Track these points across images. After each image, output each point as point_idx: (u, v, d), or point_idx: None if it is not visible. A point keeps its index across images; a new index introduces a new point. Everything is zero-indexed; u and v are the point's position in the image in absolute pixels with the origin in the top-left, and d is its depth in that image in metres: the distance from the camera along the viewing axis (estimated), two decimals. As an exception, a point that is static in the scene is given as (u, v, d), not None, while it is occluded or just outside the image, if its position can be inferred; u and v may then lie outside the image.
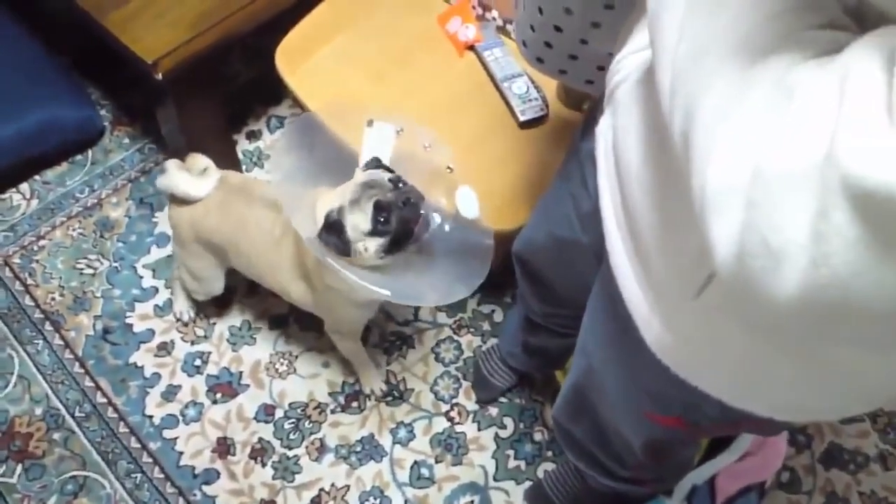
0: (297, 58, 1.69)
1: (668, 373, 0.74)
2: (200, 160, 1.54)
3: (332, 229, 1.25)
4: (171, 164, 1.52)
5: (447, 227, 1.43)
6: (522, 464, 1.66)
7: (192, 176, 1.52)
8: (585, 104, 1.61)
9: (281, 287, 1.53)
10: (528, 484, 1.64)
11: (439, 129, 1.59)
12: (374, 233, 1.25)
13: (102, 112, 2.08)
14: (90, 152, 2.02)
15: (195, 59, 1.61)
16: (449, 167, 1.45)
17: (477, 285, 1.36)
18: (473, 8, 1.74)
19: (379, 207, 1.24)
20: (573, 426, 1.18)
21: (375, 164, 1.35)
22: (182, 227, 1.56)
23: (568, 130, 1.62)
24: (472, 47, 1.71)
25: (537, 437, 1.68)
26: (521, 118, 1.61)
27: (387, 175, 1.31)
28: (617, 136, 0.78)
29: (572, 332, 1.65)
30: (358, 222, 1.25)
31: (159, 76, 1.58)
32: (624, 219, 0.76)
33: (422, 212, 1.28)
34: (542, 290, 1.32)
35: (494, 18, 1.73)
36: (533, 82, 1.65)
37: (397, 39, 1.73)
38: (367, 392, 1.71)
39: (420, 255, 1.38)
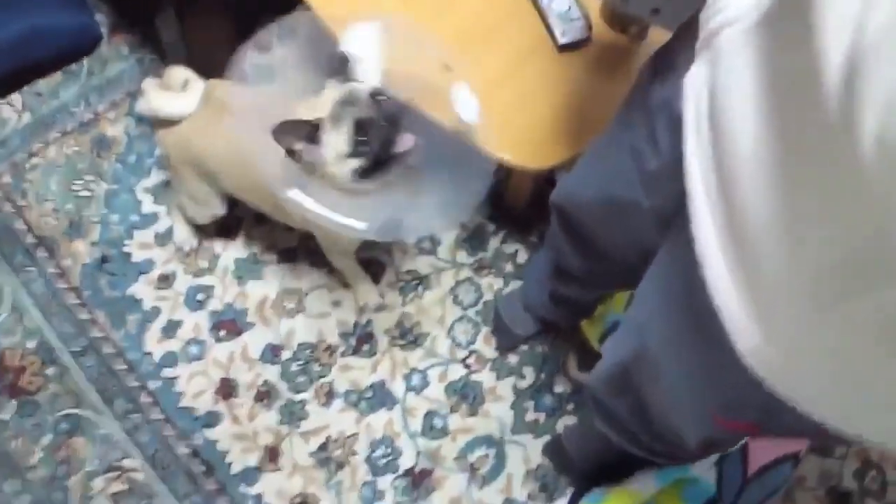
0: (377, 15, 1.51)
1: (753, 382, 0.61)
2: (178, 73, 1.41)
3: (307, 138, 1.10)
4: (148, 84, 1.41)
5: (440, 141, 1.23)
6: (542, 417, 1.56)
7: (174, 93, 1.39)
8: (633, 27, 1.43)
9: (273, 209, 1.42)
10: (546, 438, 1.54)
11: (471, 55, 1.43)
12: (353, 154, 1.11)
13: (99, 17, 1.90)
14: (86, 62, 1.86)
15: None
16: (446, 66, 1.26)
17: (464, 218, 1.20)
18: (511, -89, 1.53)
19: (358, 126, 1.10)
20: (612, 401, 1.06)
21: (343, 67, 1.17)
22: (171, 150, 1.44)
23: (613, 57, 1.45)
24: (507, -43, 1.51)
25: (558, 388, 1.58)
26: (561, 40, 1.43)
27: (366, 87, 1.15)
28: (717, 96, 0.62)
29: (609, 287, 1.53)
30: (336, 142, 1.11)
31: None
32: (721, 204, 0.61)
33: (408, 133, 1.12)
34: (583, 245, 1.18)
35: (534, -76, 1.52)
36: (576, 0, 1.46)
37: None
38: (360, 305, 1.61)
39: (407, 177, 1.22)
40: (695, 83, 0.67)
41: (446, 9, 1.46)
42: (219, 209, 1.54)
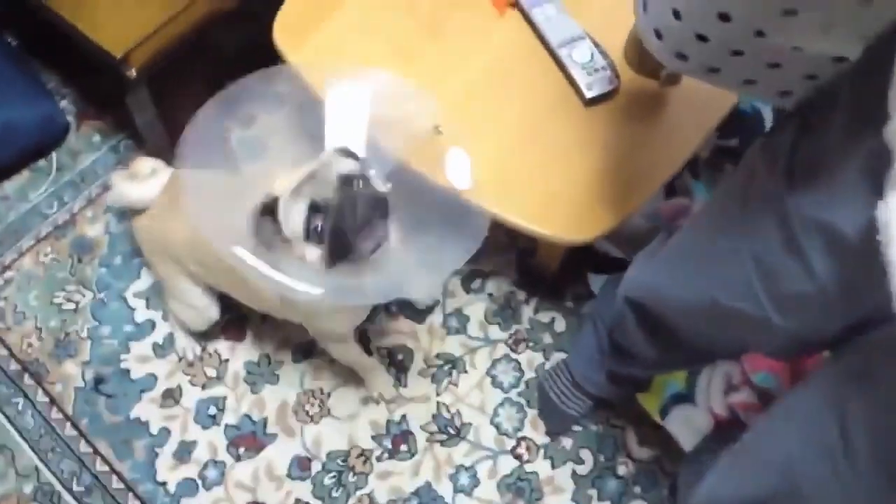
0: (300, 31, 1.36)
1: None
2: (145, 164, 1.36)
3: (265, 216, 1.00)
4: (116, 177, 1.38)
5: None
6: None
7: (141, 181, 1.33)
8: (665, 71, 1.29)
9: (254, 299, 1.31)
10: (616, 528, 1.40)
11: (482, 116, 1.29)
12: (308, 238, 0.99)
13: (63, 104, 1.74)
14: (54, 156, 1.69)
15: (173, 46, 1.28)
16: (437, 128, 1.15)
17: (457, 266, 1.16)
18: (513, -47, 1.39)
19: (312, 208, 0.98)
20: None
21: (345, 151, 1.06)
22: (145, 242, 1.36)
23: (645, 105, 1.32)
24: (515, 4, 1.37)
25: (621, 470, 1.43)
26: (588, 94, 1.29)
27: (344, 166, 1.01)
28: None
29: (680, 369, 1.39)
30: (292, 218, 0.99)
31: (132, 73, 1.25)
32: None
33: (379, 225, 1.00)
34: (664, 341, 1.05)
35: (540, -34, 1.38)
36: (598, 46, 1.32)
37: (422, 1, 1.38)
38: (374, 396, 1.46)
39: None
40: (890, 213, 0.53)
41: (449, 65, 1.33)
42: (211, 311, 1.39)
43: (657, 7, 0.74)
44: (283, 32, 1.35)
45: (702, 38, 0.71)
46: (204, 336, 1.49)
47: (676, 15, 0.72)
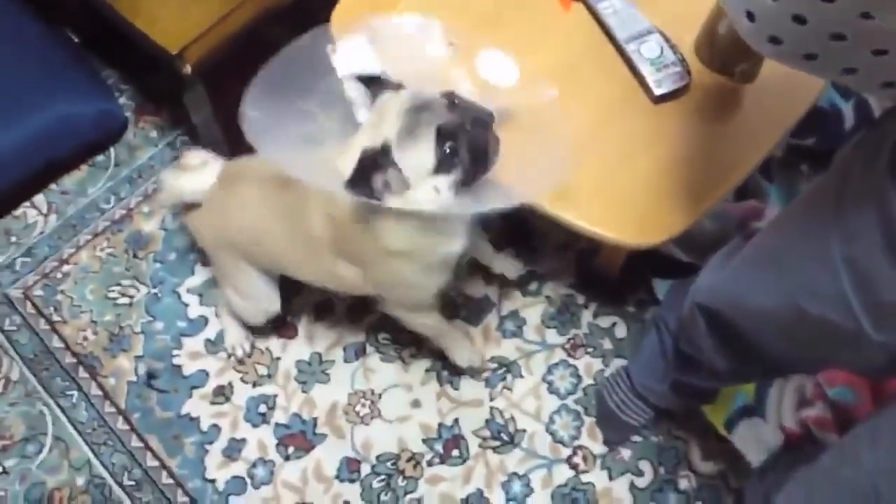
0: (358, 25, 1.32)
1: None
2: (195, 156, 1.33)
3: (373, 169, 0.93)
4: (166, 175, 1.34)
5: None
6: (667, 519, 1.35)
7: (193, 174, 1.30)
8: (740, 66, 1.22)
9: (325, 276, 1.24)
10: (675, 544, 1.34)
11: (545, 113, 1.24)
12: (440, 169, 0.94)
13: (123, 100, 1.75)
14: (113, 151, 1.70)
15: (229, 43, 1.26)
16: (451, 42, 1.11)
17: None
18: (578, -56, 1.34)
19: (444, 135, 0.93)
20: None
21: (378, 83, 1.01)
22: (203, 235, 1.33)
23: (718, 103, 1.25)
24: (580, -3, 1.32)
25: (683, 484, 1.37)
26: (657, 91, 1.23)
27: (435, 91, 0.97)
28: None
29: (752, 381, 1.32)
30: (417, 160, 0.93)
31: (188, 69, 1.24)
32: None
33: (493, 132, 0.97)
34: (740, 352, 0.98)
35: (607, -43, 1.33)
36: (667, 41, 1.26)
37: (484, -7, 1.34)
38: (463, 366, 1.39)
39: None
40: None
41: (519, 61, 1.26)
42: (272, 303, 1.37)
43: None
44: (340, 26, 1.31)
45: (799, 19, 0.65)
46: (255, 332, 1.47)
47: None
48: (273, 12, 1.29)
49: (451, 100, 0.97)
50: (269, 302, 1.37)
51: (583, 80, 1.27)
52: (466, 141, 0.94)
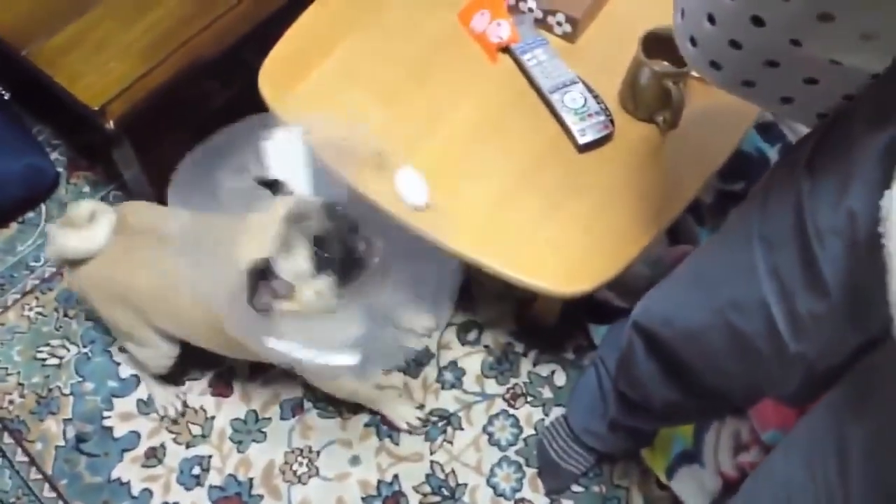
0: (286, 80, 1.32)
1: None
2: (82, 208, 1.25)
3: (260, 278, 0.97)
4: (52, 229, 1.26)
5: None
6: (611, 569, 1.33)
7: (80, 228, 1.23)
8: (662, 114, 1.25)
9: (233, 346, 1.22)
10: None
11: (473, 163, 1.25)
12: (318, 271, 0.99)
13: (55, 155, 1.72)
14: (43, 207, 1.67)
15: (153, 98, 1.25)
16: (378, 153, 1.15)
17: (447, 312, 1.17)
18: (503, -3, 1.36)
19: (317, 241, 0.99)
20: None
21: (275, 185, 1.05)
22: (90, 290, 1.26)
23: (642, 150, 1.26)
24: (506, 49, 1.33)
25: (626, 533, 1.35)
26: (581, 140, 1.24)
27: (312, 198, 1.03)
28: None
29: (690, 420, 1.32)
30: (296, 266, 0.98)
31: (110, 124, 1.22)
32: None
33: (367, 236, 1.03)
34: (678, 375, 1.00)
35: (531, 9, 1.35)
36: (590, 91, 1.28)
37: (411, 46, 1.35)
38: (403, 428, 1.41)
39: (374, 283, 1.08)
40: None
41: (439, 113, 1.28)
42: (172, 350, 1.33)
43: (693, 12, 0.72)
44: (269, 81, 1.31)
45: (735, 44, 0.68)
46: (173, 381, 1.44)
47: (711, 20, 0.68)
48: (197, 67, 1.28)
49: (331, 207, 1.01)
50: (170, 350, 1.33)
51: (510, 129, 1.28)
52: (338, 246, 0.99)
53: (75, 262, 1.25)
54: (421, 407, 1.44)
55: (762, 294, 0.75)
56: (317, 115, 1.19)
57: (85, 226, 1.23)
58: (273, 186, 1.04)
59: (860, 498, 0.61)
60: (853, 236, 0.62)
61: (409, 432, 1.41)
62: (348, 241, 1.00)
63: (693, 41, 0.73)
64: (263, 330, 0.99)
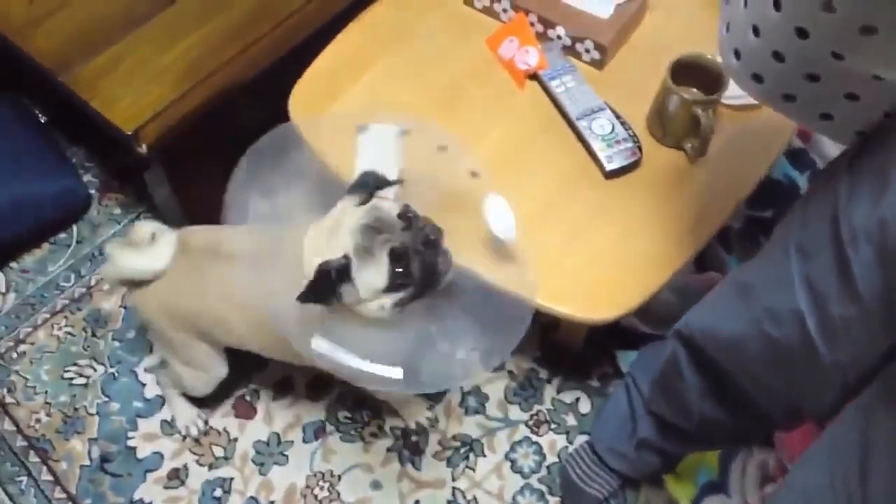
0: (315, 105, 1.34)
1: None
2: (143, 228, 1.25)
3: (331, 281, 0.94)
4: (112, 247, 1.24)
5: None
6: None
7: (142, 249, 1.22)
8: (690, 142, 1.24)
9: (295, 354, 1.17)
10: None
11: (500, 189, 1.24)
12: (390, 289, 0.96)
13: (87, 177, 1.75)
14: (75, 228, 1.69)
15: (186, 122, 1.27)
16: (473, 172, 1.12)
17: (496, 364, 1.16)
18: (532, 25, 1.37)
19: (395, 257, 0.95)
20: None
21: (365, 184, 1.02)
22: (153, 316, 1.25)
23: (670, 177, 1.26)
24: (534, 76, 1.34)
25: (651, 565, 1.33)
26: (608, 166, 1.24)
27: (393, 208, 1.00)
28: None
29: (721, 444, 1.30)
30: (371, 279, 0.95)
31: (143, 148, 1.24)
32: None
33: (445, 249, 0.99)
34: (719, 387, 1.00)
35: (560, 37, 1.36)
36: (619, 117, 1.28)
37: (439, 73, 1.36)
38: (412, 426, 1.42)
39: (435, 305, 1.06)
40: None
41: (467, 138, 1.28)
42: (221, 369, 1.33)
43: (739, 25, 0.73)
44: (299, 106, 1.34)
45: (778, 56, 0.69)
46: (198, 402, 1.43)
47: (755, 31, 0.69)
48: (230, 90, 1.31)
49: (407, 217, 0.99)
50: (219, 368, 1.33)
51: (537, 155, 1.29)
52: (418, 262, 0.96)
53: (135, 283, 1.24)
54: (431, 408, 1.44)
55: (796, 303, 0.76)
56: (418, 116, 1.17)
57: (147, 246, 1.22)
58: (373, 183, 1.02)
59: (879, 499, 0.61)
60: (884, 242, 0.63)
61: (417, 433, 1.41)
62: (426, 257, 0.97)
63: (737, 54, 0.74)
64: (309, 331, 0.97)
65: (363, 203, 1.01)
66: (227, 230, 1.10)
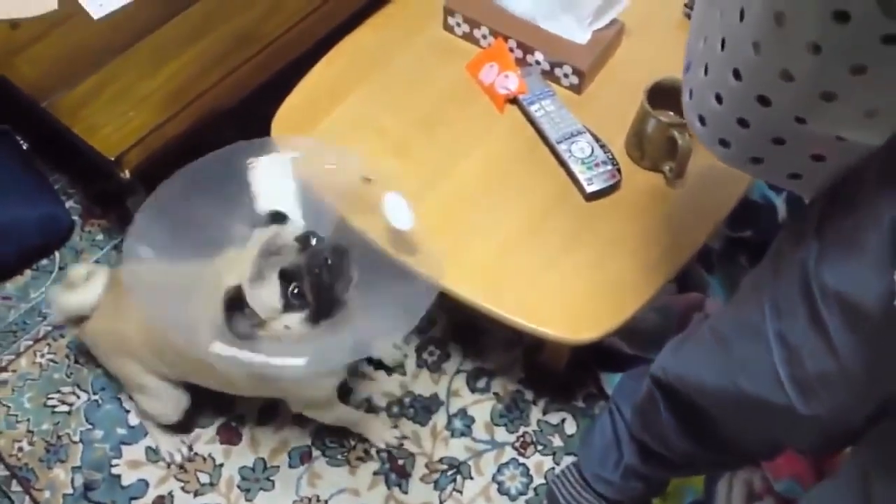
0: (298, 129, 1.35)
1: None
2: (79, 270, 1.35)
3: (235, 307, 1.00)
4: (53, 293, 1.39)
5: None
6: None
7: (78, 288, 1.33)
8: (668, 164, 1.26)
9: (223, 381, 1.28)
10: None
11: (482, 211, 1.26)
12: (287, 308, 1.01)
13: (70, 204, 1.74)
14: (57, 255, 1.68)
15: (169, 148, 1.27)
16: (366, 178, 1.15)
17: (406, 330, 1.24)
18: (511, 51, 1.39)
19: (286, 278, 1.00)
20: None
21: (271, 219, 1.08)
22: (99, 346, 1.36)
23: (649, 199, 1.27)
24: (514, 100, 1.36)
25: (638, 586, 1.32)
26: (588, 189, 1.26)
27: (294, 232, 1.04)
28: None
29: (708, 472, 1.30)
30: (266, 300, 0.99)
31: (126, 174, 1.25)
32: None
33: (347, 272, 1.04)
34: (696, 429, 1.00)
35: (539, 62, 1.38)
36: (598, 140, 1.30)
37: (421, 98, 1.38)
38: (381, 446, 1.43)
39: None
40: None
41: (447, 162, 1.31)
42: (181, 400, 1.36)
43: (701, 92, 0.73)
44: (282, 130, 1.35)
45: (743, 122, 0.69)
46: (181, 428, 1.43)
47: (719, 99, 0.70)
48: (213, 116, 1.31)
49: (306, 242, 1.03)
50: (177, 399, 1.36)
51: (518, 178, 1.30)
52: (310, 282, 0.99)
53: (78, 319, 1.34)
54: (396, 427, 1.45)
55: (771, 358, 0.75)
56: (304, 140, 1.23)
57: (81, 286, 1.32)
58: (275, 216, 1.07)
59: None
60: (860, 313, 0.62)
61: (389, 451, 1.43)
62: (322, 277, 1.00)
63: (702, 120, 0.75)
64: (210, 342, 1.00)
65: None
66: (132, 266, 1.14)
